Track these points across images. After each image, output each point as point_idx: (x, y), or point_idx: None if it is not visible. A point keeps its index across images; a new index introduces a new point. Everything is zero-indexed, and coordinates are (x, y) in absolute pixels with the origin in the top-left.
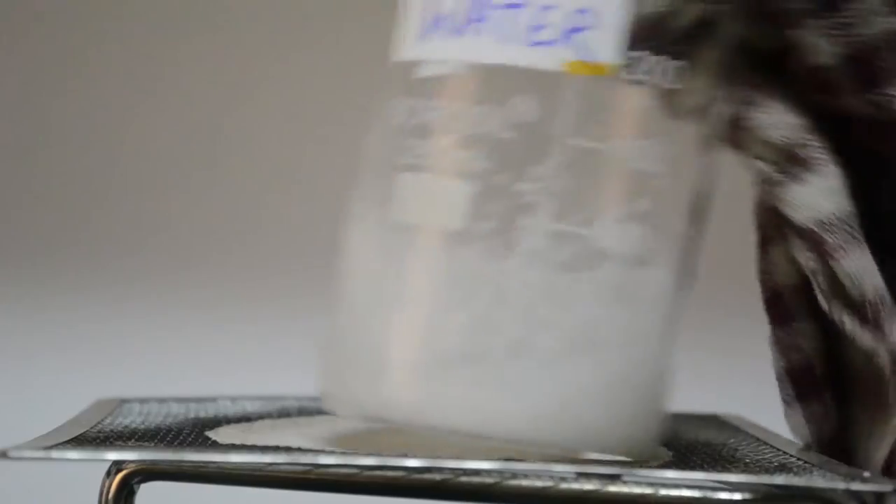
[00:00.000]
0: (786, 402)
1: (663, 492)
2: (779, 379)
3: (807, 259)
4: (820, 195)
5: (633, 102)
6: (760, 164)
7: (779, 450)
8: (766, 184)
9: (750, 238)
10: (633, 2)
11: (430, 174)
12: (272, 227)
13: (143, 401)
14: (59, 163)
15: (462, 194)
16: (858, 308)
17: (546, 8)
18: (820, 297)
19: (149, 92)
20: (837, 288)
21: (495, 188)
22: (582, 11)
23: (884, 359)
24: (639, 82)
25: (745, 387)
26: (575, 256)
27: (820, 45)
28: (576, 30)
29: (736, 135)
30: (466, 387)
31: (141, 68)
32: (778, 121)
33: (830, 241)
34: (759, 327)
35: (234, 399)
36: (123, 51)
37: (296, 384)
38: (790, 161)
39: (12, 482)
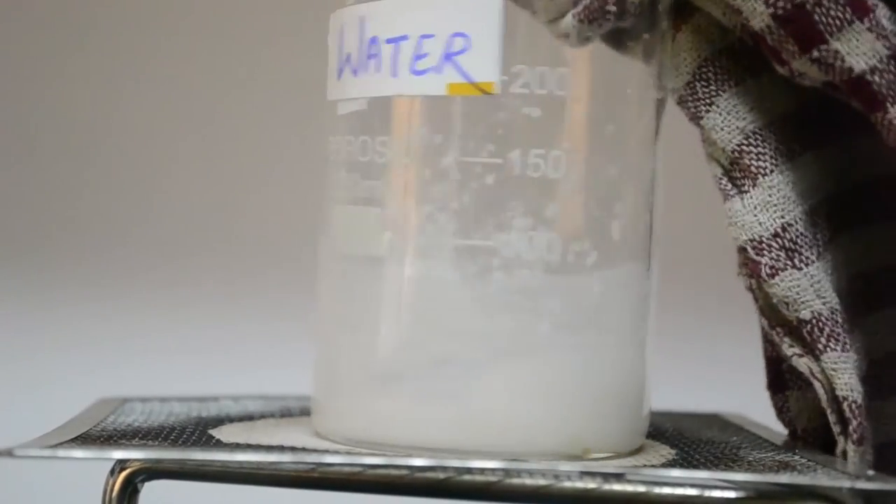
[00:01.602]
0: (768, 388)
1: (666, 490)
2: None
3: (745, 278)
4: (757, 210)
5: (521, 115)
6: (716, 170)
7: (781, 448)
8: (720, 193)
9: None
10: (505, 21)
11: (348, 205)
12: (278, 225)
13: (144, 400)
14: (61, 159)
15: (374, 221)
16: (793, 331)
17: (425, 37)
18: (760, 318)
19: (151, 94)
20: (773, 309)
21: (404, 213)
22: (458, 35)
23: (818, 385)
24: (522, 95)
25: (747, 386)
26: (487, 268)
27: (755, 8)
28: (454, 54)
29: (700, 133)
30: (403, 403)
31: (126, 69)
32: (729, 123)
33: (762, 261)
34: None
35: (236, 398)
36: (107, 48)
37: (298, 384)
38: (737, 169)
39: (15, 479)
